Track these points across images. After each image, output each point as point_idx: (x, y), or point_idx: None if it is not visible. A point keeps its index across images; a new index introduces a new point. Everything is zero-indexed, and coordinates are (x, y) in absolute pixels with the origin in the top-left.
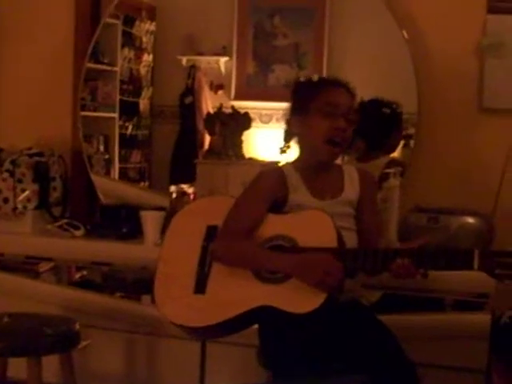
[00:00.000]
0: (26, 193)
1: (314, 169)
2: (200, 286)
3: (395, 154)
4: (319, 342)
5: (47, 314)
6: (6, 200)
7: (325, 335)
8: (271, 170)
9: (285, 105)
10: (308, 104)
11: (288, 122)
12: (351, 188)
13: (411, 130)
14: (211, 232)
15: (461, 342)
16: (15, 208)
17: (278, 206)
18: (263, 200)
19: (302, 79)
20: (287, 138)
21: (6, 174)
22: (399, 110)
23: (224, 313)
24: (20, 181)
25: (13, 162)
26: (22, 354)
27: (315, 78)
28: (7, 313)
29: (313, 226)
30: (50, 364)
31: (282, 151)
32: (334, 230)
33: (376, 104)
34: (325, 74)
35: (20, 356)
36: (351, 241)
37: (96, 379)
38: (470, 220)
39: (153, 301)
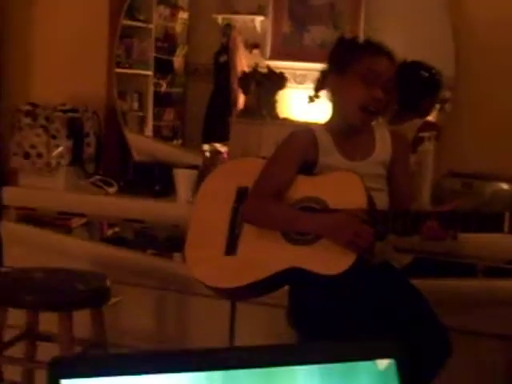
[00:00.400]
0: (60, 148)
1: (346, 130)
2: (231, 248)
3: (430, 118)
4: (349, 304)
5: (79, 270)
6: (39, 155)
7: (355, 297)
8: (302, 131)
9: (320, 66)
10: (349, 65)
11: (324, 78)
12: (383, 149)
13: (447, 94)
14: (242, 193)
15: (492, 308)
16: (49, 163)
17: (309, 167)
18: (293, 161)
19: (347, 37)
20: (318, 88)
21: (40, 130)
22: (437, 77)
23: (254, 274)
24: (54, 136)
25: (47, 118)
26: (53, 309)
27: (361, 40)
28: (39, 267)
29: (343, 187)
30: (81, 319)
31: (311, 100)
32: (364, 192)
33: (416, 66)
34: (361, 35)
35: (51, 310)
36: (382, 202)
37: (126, 335)
38: (505, 186)
39: (184, 259)
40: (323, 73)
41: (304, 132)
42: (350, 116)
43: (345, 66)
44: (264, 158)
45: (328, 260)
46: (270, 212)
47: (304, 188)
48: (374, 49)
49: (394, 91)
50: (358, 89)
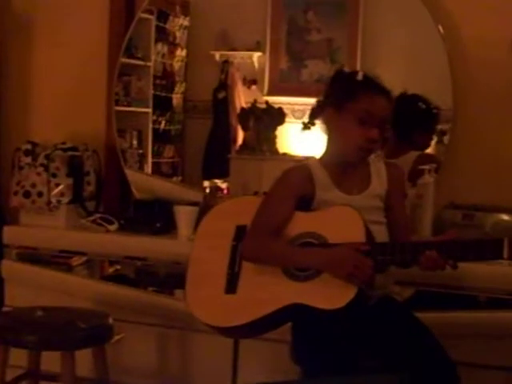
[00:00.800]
0: (60, 187)
1: (341, 165)
2: (231, 286)
3: (429, 151)
4: (351, 339)
5: (80, 308)
6: (40, 194)
7: (357, 331)
8: (296, 168)
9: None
10: (346, 102)
11: (320, 108)
12: (379, 181)
13: (445, 126)
14: (240, 232)
15: (495, 341)
16: (49, 202)
17: (306, 203)
18: (290, 198)
19: (346, 70)
20: (313, 116)
21: (40, 169)
22: (435, 110)
23: (256, 312)
24: (54, 175)
25: (47, 157)
26: (56, 348)
27: (360, 76)
28: (41, 306)
29: (341, 221)
30: (84, 358)
31: (306, 127)
32: (363, 225)
33: (414, 98)
34: (374, 74)
35: (53, 350)
36: (381, 234)
37: (129, 373)
38: (506, 217)
39: (185, 300)
40: (320, 102)
41: (299, 168)
42: (345, 153)
43: (342, 103)
44: (265, 193)
45: (329, 295)
46: (269, 249)
47: (302, 224)
48: (373, 88)
49: (389, 129)
50: (354, 129)
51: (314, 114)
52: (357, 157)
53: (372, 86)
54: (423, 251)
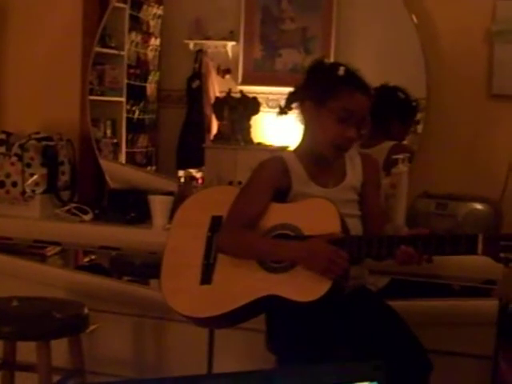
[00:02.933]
0: (35, 177)
1: (316, 159)
2: (206, 277)
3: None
4: (325, 329)
5: (56, 298)
6: (14, 184)
7: (331, 322)
8: (272, 160)
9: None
10: (326, 98)
11: (297, 95)
12: (354, 173)
13: (419, 116)
14: (216, 222)
15: (468, 329)
16: (24, 192)
17: (282, 194)
18: (266, 190)
19: (326, 63)
20: (289, 102)
21: (14, 158)
22: (414, 103)
23: (230, 303)
24: (28, 165)
25: (21, 147)
26: (31, 338)
27: (341, 71)
28: (16, 296)
29: (316, 213)
30: (59, 348)
31: (282, 112)
32: (338, 218)
33: (394, 89)
34: (332, 59)
35: (29, 340)
36: (355, 227)
37: (104, 363)
38: (479, 206)
39: (160, 290)
40: (298, 89)
41: (274, 160)
42: (321, 149)
43: (322, 99)
44: (240, 183)
45: (304, 287)
46: (244, 243)
47: (278, 215)
48: (354, 85)
49: (368, 123)
50: (331, 126)
51: (291, 99)
52: (332, 153)
53: (353, 82)
54: (399, 245)
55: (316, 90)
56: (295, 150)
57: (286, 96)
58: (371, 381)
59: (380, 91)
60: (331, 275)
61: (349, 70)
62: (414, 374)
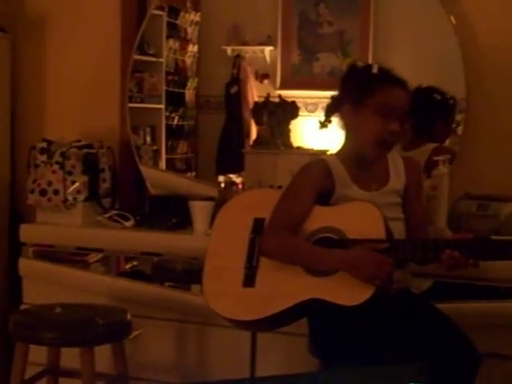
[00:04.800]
0: (76, 185)
1: (359, 161)
2: (249, 280)
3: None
4: (369, 332)
5: (99, 305)
6: (56, 192)
7: (375, 325)
8: (315, 162)
9: (330, 93)
10: (364, 97)
11: (336, 105)
12: (397, 177)
13: (459, 116)
14: (258, 225)
15: None
16: (65, 200)
17: (324, 197)
18: (309, 193)
19: (359, 65)
20: (329, 114)
21: (56, 166)
22: (451, 101)
23: (274, 306)
24: (70, 173)
25: (62, 155)
26: (75, 344)
27: (375, 69)
28: (59, 303)
29: (360, 217)
30: (103, 354)
31: (323, 126)
32: (382, 221)
33: (429, 90)
34: (370, 61)
35: (73, 346)
36: (399, 231)
37: (147, 369)
38: None
39: (202, 292)
40: (334, 99)
41: (317, 163)
42: (366, 148)
43: (359, 99)
44: (280, 187)
45: (348, 291)
46: (289, 249)
47: (321, 218)
48: (389, 80)
49: (409, 120)
50: (374, 122)
51: (330, 111)
52: (377, 151)
53: (388, 78)
54: (444, 249)
55: (353, 91)
56: (337, 154)
57: (326, 105)
58: (416, 383)
59: (416, 94)
60: (376, 282)
61: (382, 68)
62: (463, 366)
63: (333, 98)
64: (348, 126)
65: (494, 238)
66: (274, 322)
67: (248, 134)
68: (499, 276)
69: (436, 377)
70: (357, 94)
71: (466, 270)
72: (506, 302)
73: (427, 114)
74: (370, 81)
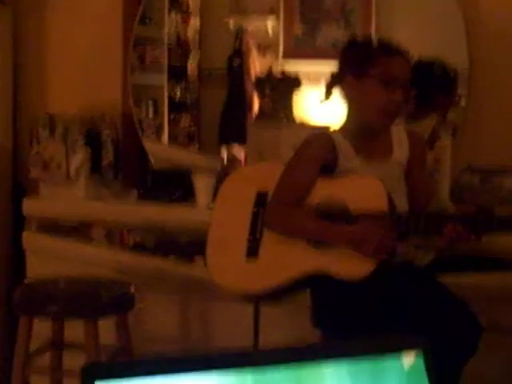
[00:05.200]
0: (79, 158)
1: (363, 133)
2: (252, 252)
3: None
4: (371, 305)
5: (102, 278)
6: (59, 165)
7: (377, 298)
8: (318, 136)
9: (334, 65)
10: (365, 68)
11: (336, 79)
12: (400, 150)
13: (462, 89)
14: (261, 198)
15: None
16: (68, 173)
17: (328, 170)
18: (313, 166)
19: (359, 39)
20: (329, 88)
21: (58, 140)
22: (452, 73)
23: (276, 278)
24: (72, 146)
25: (65, 128)
26: (79, 317)
27: (375, 41)
28: (62, 277)
29: (363, 190)
30: (106, 327)
31: (323, 101)
32: (385, 194)
33: (430, 63)
34: (373, 32)
35: (77, 319)
36: (402, 203)
37: (151, 341)
38: None
39: (205, 264)
40: (335, 74)
41: (321, 136)
42: (370, 119)
43: (361, 70)
44: (281, 162)
45: (351, 264)
46: (292, 222)
47: (325, 191)
48: (389, 50)
49: (411, 90)
50: (377, 92)
51: (330, 86)
52: (381, 121)
53: (389, 48)
54: (446, 223)
55: (355, 63)
56: (341, 128)
57: (328, 72)
58: (414, 349)
59: (417, 67)
60: (380, 257)
61: (382, 39)
62: (465, 336)
63: (333, 73)
64: (351, 99)
65: (496, 211)
66: (277, 294)
67: (250, 107)
68: (502, 248)
69: (437, 346)
70: (359, 65)
71: (467, 243)
72: (508, 274)
73: (428, 88)
74: (372, 52)
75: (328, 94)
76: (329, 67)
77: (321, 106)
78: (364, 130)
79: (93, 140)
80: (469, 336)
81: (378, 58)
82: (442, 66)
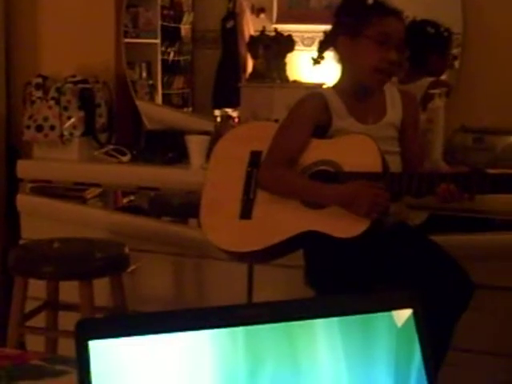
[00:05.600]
0: (72, 120)
1: (357, 92)
2: (246, 212)
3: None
4: (364, 263)
5: (97, 239)
6: (52, 127)
7: (370, 256)
8: (312, 95)
9: (327, 27)
10: (360, 28)
11: (330, 39)
12: (394, 110)
13: (456, 50)
14: (255, 157)
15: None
16: (62, 135)
17: (321, 130)
18: (306, 126)
19: None
20: (322, 49)
21: (51, 102)
22: (445, 33)
23: (270, 238)
24: (66, 108)
25: (58, 90)
26: (74, 278)
27: (370, 0)
28: (57, 238)
29: (357, 150)
30: (101, 288)
31: (316, 62)
32: (379, 155)
33: (422, 23)
34: None
35: (71, 279)
36: (395, 164)
37: (145, 302)
38: None
39: (199, 225)
40: (328, 34)
41: (314, 96)
42: (365, 78)
43: (355, 29)
44: (276, 120)
45: (344, 223)
46: (286, 182)
47: (318, 151)
48: (383, 9)
49: (406, 50)
50: (371, 51)
51: (323, 46)
52: (376, 80)
53: (383, 7)
54: (439, 183)
55: (349, 22)
56: (334, 87)
57: (321, 35)
58: (406, 307)
59: (410, 27)
60: (373, 217)
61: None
62: (457, 293)
63: (326, 33)
64: (345, 58)
65: (489, 171)
66: (271, 254)
67: (244, 69)
68: (494, 208)
69: (430, 304)
70: (353, 24)
71: (460, 203)
72: (500, 234)
73: (422, 48)
74: (366, 10)
75: (320, 54)
76: (322, 29)
77: (314, 67)
78: (358, 90)
79: (86, 102)
80: (461, 293)
81: (373, 16)
82: (436, 26)
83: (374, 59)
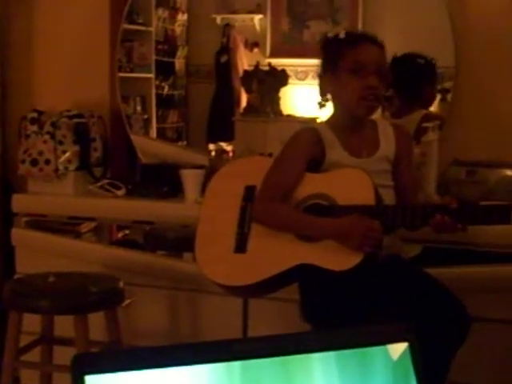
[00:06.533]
0: (67, 154)
1: (349, 126)
2: (240, 246)
3: (432, 109)
4: (359, 297)
5: (91, 273)
6: (47, 162)
7: (365, 290)
8: (306, 130)
9: (320, 61)
10: (337, 62)
11: (320, 80)
12: (387, 144)
13: (448, 84)
14: (249, 192)
15: (506, 295)
16: (57, 169)
17: (316, 164)
18: (300, 160)
19: (329, 35)
20: (322, 93)
21: (46, 136)
22: (434, 62)
23: (265, 272)
24: (61, 142)
25: (53, 124)
26: (69, 312)
27: (342, 34)
28: (52, 272)
29: (351, 184)
30: (96, 323)
31: (321, 105)
32: (372, 188)
33: (410, 56)
34: (360, 29)
35: (66, 314)
36: (389, 197)
37: (141, 336)
38: (509, 173)
39: (194, 259)
40: (320, 75)
41: (308, 130)
42: (353, 109)
43: (334, 64)
44: (270, 154)
45: (337, 256)
46: (280, 216)
47: (312, 185)
48: (356, 39)
49: (388, 74)
50: (351, 82)
51: (322, 89)
52: (364, 108)
53: (354, 37)
54: (433, 214)
55: (327, 60)
56: (327, 121)
57: (314, 69)
58: (402, 341)
59: (399, 61)
60: (366, 249)
61: (349, 31)
62: (454, 327)
63: (319, 75)
64: (332, 95)
65: (481, 202)
66: (265, 288)
67: (238, 103)
68: (488, 241)
69: (426, 338)
70: (330, 61)
71: (454, 233)
72: (495, 267)
73: (413, 80)
74: (339, 45)
75: (323, 99)
76: (315, 63)
77: (308, 100)
78: (349, 122)
79: (81, 136)
80: (457, 327)
81: (344, 48)
82: (424, 57)
83: (355, 89)
